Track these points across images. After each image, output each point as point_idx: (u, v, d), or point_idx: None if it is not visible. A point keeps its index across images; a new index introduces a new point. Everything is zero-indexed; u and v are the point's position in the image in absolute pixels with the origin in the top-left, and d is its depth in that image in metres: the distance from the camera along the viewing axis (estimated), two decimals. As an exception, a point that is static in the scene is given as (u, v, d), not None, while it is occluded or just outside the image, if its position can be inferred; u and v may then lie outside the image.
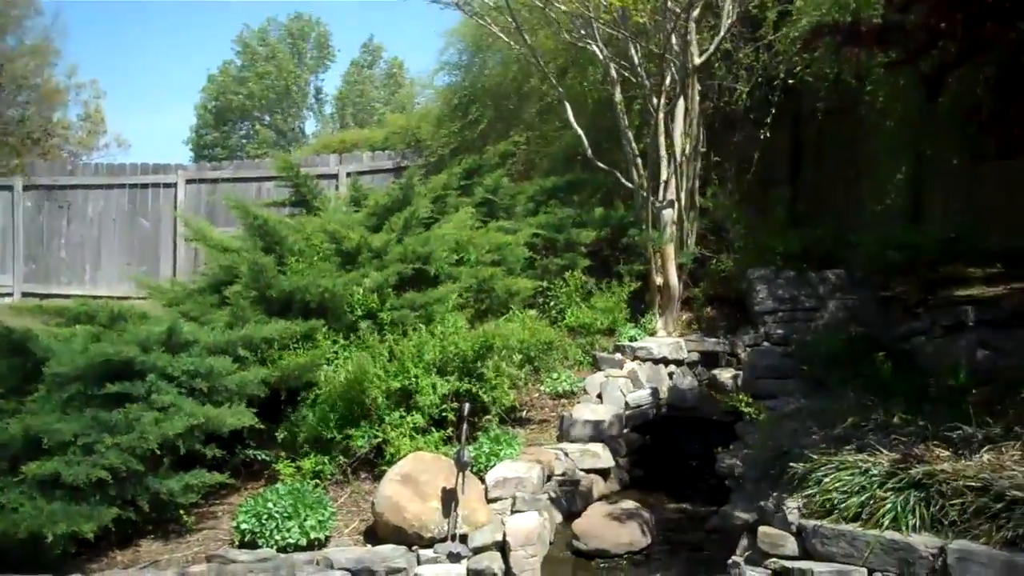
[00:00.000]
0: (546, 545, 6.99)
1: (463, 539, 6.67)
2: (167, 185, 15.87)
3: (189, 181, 15.87)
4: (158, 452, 6.61)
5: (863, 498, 5.43)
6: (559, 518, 7.50)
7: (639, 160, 10.83)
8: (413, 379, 7.90)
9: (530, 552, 6.63)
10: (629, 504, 7.51)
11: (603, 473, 8.29)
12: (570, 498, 7.72)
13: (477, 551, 6.63)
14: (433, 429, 7.89)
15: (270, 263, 8.56)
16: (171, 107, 60.24)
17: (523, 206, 11.60)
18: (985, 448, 5.60)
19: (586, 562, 6.98)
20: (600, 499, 7.96)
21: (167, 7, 55.26)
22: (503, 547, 6.67)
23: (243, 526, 6.65)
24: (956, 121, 9.17)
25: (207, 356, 7.30)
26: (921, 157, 10.37)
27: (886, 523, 5.26)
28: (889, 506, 5.31)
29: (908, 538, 5.15)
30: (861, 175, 10.99)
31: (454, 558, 6.54)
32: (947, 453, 5.61)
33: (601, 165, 11.05)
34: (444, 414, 7.89)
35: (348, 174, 14.98)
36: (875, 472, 5.52)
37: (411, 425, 7.76)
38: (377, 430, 7.76)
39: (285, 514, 6.64)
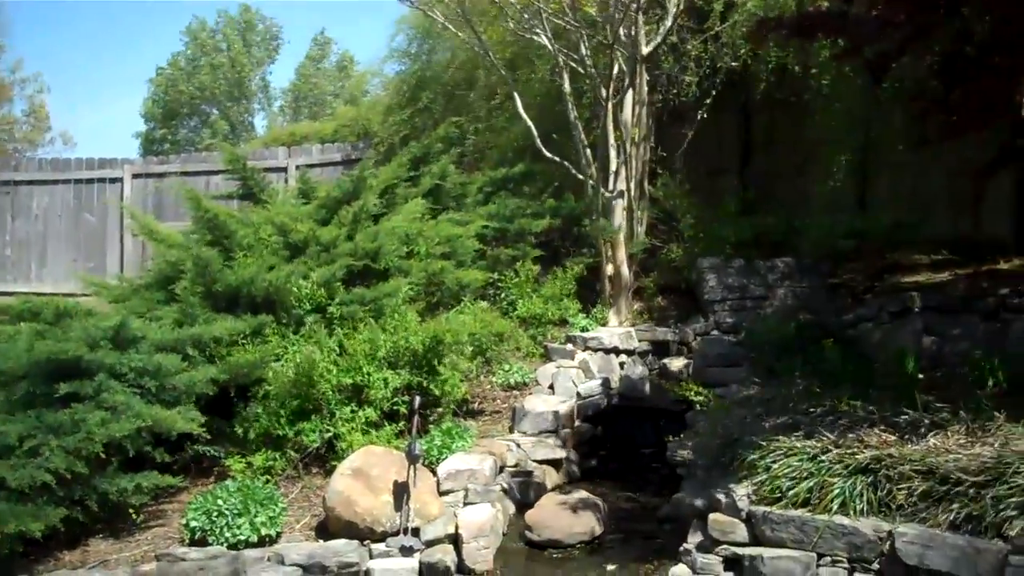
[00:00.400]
0: (499, 536, 6.98)
1: (415, 532, 6.64)
2: (113, 180, 15.54)
3: (136, 175, 15.55)
4: (103, 455, 6.50)
5: (811, 484, 5.49)
6: (512, 509, 7.48)
7: (589, 151, 10.84)
8: (365, 375, 7.86)
9: (483, 544, 6.61)
10: (582, 494, 7.51)
11: (556, 464, 8.29)
12: (523, 489, 7.71)
13: (430, 544, 6.60)
14: (385, 423, 7.87)
15: (215, 257, 8.47)
16: (119, 102, 59.22)
17: (473, 197, 11.57)
18: (932, 432, 5.69)
19: (539, 552, 6.96)
20: (553, 489, 7.96)
21: (113, 2, 54.46)
22: (456, 539, 6.63)
23: (193, 524, 6.56)
24: (900, 106, 9.29)
25: (155, 353, 7.19)
26: (867, 143, 10.49)
27: (834, 508, 5.33)
28: (837, 491, 5.38)
29: (856, 522, 5.22)
30: (809, 162, 11.08)
31: (406, 552, 6.50)
32: (894, 438, 5.69)
33: (551, 156, 11.03)
34: (396, 408, 7.86)
35: (297, 167, 14.77)
36: (823, 458, 5.59)
37: (363, 419, 7.72)
38: (328, 425, 7.71)
39: (235, 511, 6.57)
